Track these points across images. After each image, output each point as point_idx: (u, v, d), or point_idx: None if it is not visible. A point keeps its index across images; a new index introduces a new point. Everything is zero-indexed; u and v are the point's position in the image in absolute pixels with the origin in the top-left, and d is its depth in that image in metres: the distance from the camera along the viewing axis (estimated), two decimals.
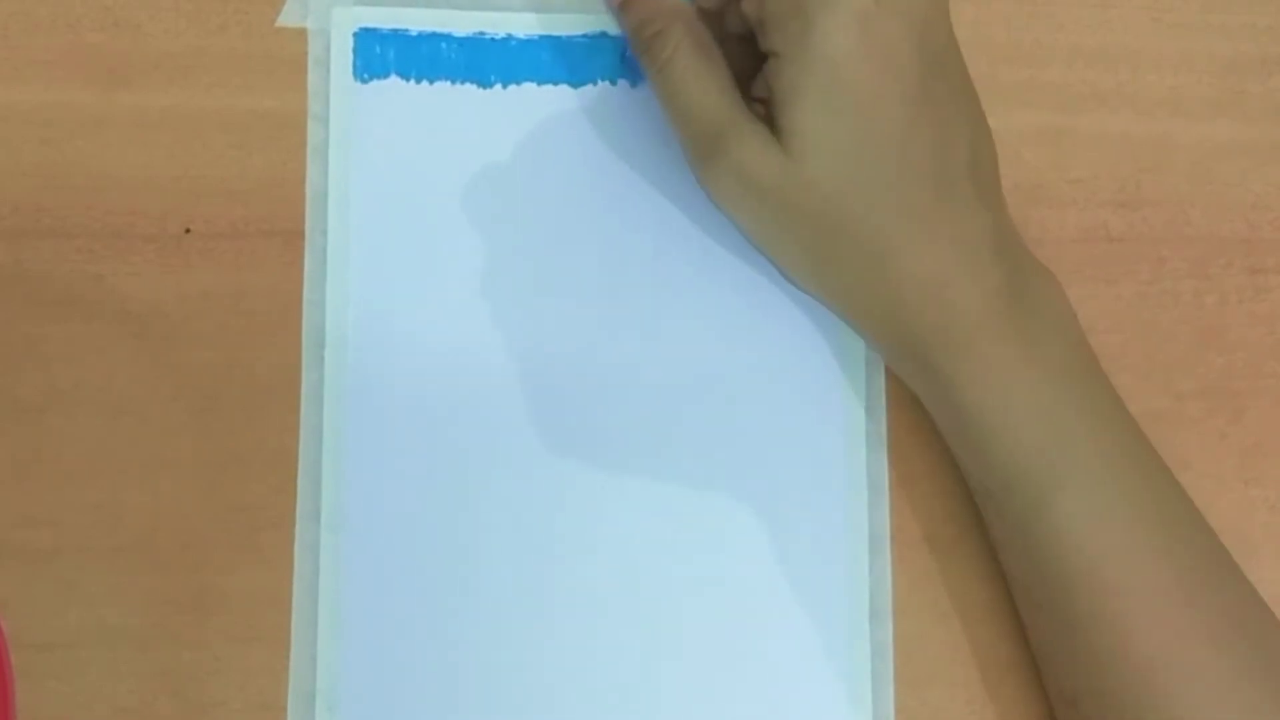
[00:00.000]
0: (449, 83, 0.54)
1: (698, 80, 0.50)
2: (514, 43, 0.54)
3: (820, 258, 0.50)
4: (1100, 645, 0.48)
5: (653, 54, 0.50)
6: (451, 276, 0.53)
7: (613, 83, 0.55)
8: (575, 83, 0.54)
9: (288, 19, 0.54)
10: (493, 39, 0.54)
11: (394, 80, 0.54)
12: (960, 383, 0.49)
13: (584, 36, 0.55)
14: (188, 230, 0.52)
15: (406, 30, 0.54)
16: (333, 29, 0.54)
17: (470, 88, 0.54)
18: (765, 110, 0.50)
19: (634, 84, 0.54)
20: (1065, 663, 0.49)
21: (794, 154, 0.48)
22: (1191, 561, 0.49)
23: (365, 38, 0.54)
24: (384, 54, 0.54)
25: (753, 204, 0.50)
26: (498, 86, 0.54)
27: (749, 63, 0.51)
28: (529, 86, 0.54)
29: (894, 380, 0.53)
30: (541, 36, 0.54)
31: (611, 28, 0.55)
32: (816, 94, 0.48)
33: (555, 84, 0.54)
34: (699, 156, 0.50)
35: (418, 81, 0.54)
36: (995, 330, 0.49)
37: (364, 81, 0.54)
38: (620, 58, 0.55)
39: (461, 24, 0.54)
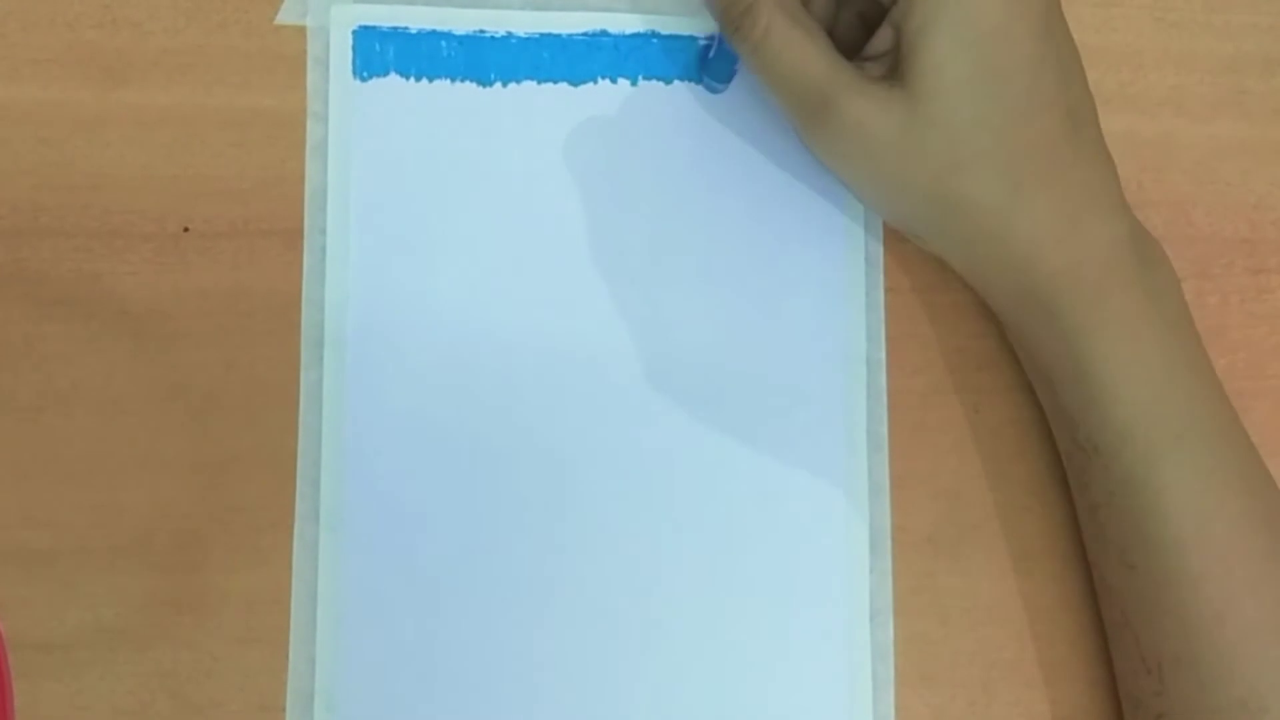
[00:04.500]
0: (449, 81, 0.54)
1: (795, 52, 0.50)
2: (514, 41, 0.54)
3: (944, 206, 0.50)
4: (1199, 608, 0.48)
5: (744, 34, 0.50)
6: (451, 275, 0.53)
7: (613, 81, 0.54)
8: (575, 81, 0.54)
9: (287, 17, 0.54)
10: (493, 37, 0.54)
11: (393, 78, 0.54)
12: (1088, 329, 0.49)
13: (584, 35, 0.54)
14: (186, 229, 0.52)
15: (406, 28, 0.54)
16: (332, 27, 0.54)
17: (470, 86, 0.54)
18: (877, 70, 0.50)
19: (634, 82, 0.54)
20: (1157, 627, 0.49)
21: (922, 94, 0.48)
22: None
23: (364, 36, 0.54)
24: (383, 52, 0.54)
25: (870, 162, 0.50)
26: (497, 85, 0.54)
27: (853, 33, 0.52)
28: (529, 85, 0.54)
29: (895, 379, 0.53)
30: (541, 35, 0.54)
31: (611, 26, 0.54)
32: (950, 29, 0.48)
33: (555, 82, 0.54)
34: (807, 125, 0.50)
35: (417, 80, 0.54)
36: (1123, 277, 0.49)
37: (363, 80, 0.54)
38: (615, 53, 0.54)
39: (461, 22, 0.54)
